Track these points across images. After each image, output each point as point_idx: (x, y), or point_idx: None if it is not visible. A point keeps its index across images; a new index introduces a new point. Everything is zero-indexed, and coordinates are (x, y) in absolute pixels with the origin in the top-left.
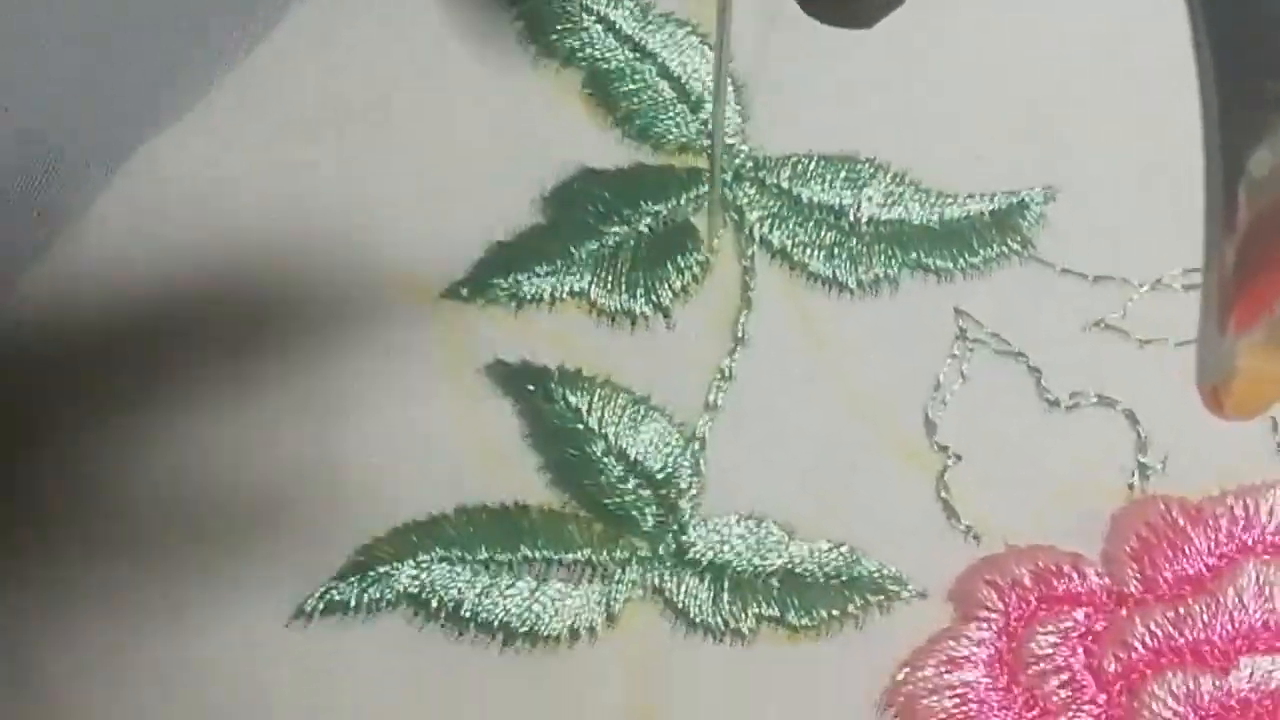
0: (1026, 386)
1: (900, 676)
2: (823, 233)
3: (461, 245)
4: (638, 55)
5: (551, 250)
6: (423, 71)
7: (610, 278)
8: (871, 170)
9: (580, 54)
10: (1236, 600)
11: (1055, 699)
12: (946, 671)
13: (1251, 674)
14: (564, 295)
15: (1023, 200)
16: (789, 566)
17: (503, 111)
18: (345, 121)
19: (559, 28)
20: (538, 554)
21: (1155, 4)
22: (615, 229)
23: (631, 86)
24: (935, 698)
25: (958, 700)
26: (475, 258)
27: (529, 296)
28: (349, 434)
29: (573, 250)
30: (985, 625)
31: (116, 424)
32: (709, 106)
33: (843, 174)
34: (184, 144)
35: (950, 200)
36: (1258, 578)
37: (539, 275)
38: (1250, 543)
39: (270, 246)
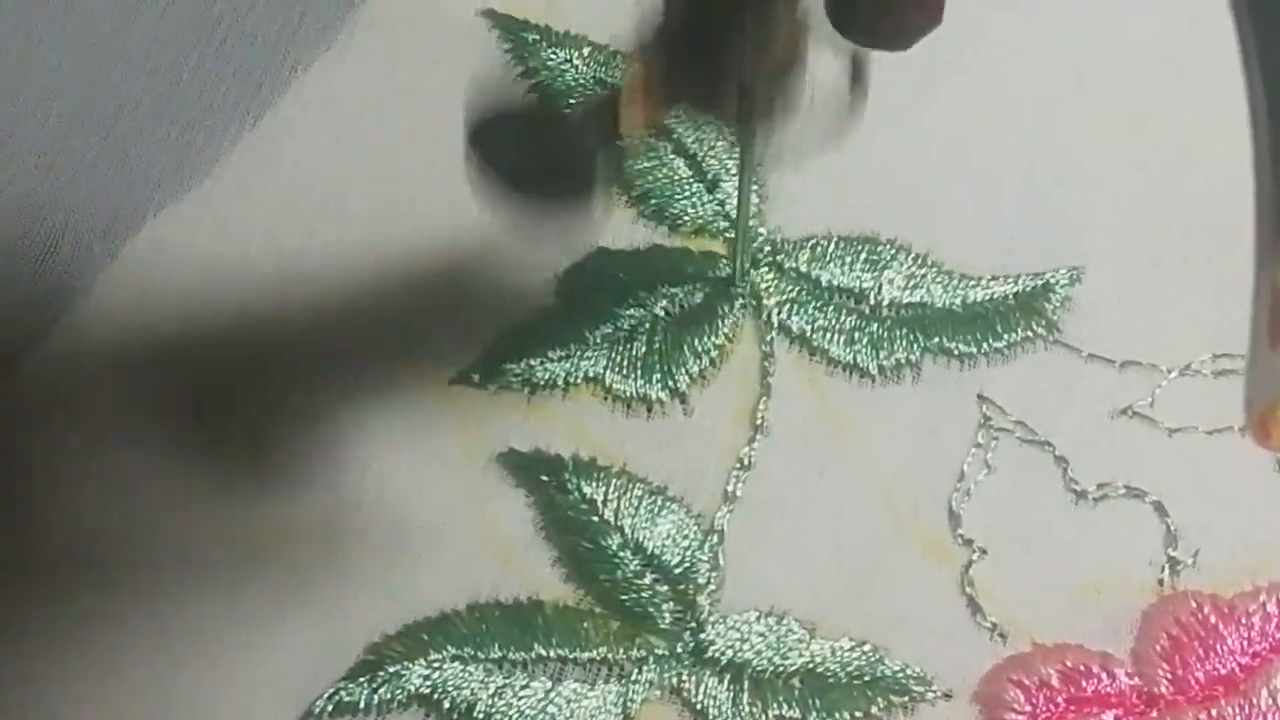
0: (1053, 476)
1: None
2: (843, 317)
3: (472, 329)
4: (653, 132)
5: (565, 334)
6: (430, 149)
7: (625, 363)
8: (892, 252)
9: None
10: (1270, 701)
11: None
12: None
13: None
14: (578, 381)
15: (1047, 282)
16: (810, 666)
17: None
18: (349, 200)
19: (572, 102)
20: (552, 652)
21: (1182, 84)
22: (630, 312)
23: (647, 164)
24: None
25: None
26: (487, 342)
27: (542, 382)
28: (357, 526)
29: (587, 334)
30: None
31: (119, 509)
32: (725, 186)
33: (863, 256)
34: (186, 223)
35: (973, 283)
36: None
37: (552, 360)
38: None
39: (274, 329)
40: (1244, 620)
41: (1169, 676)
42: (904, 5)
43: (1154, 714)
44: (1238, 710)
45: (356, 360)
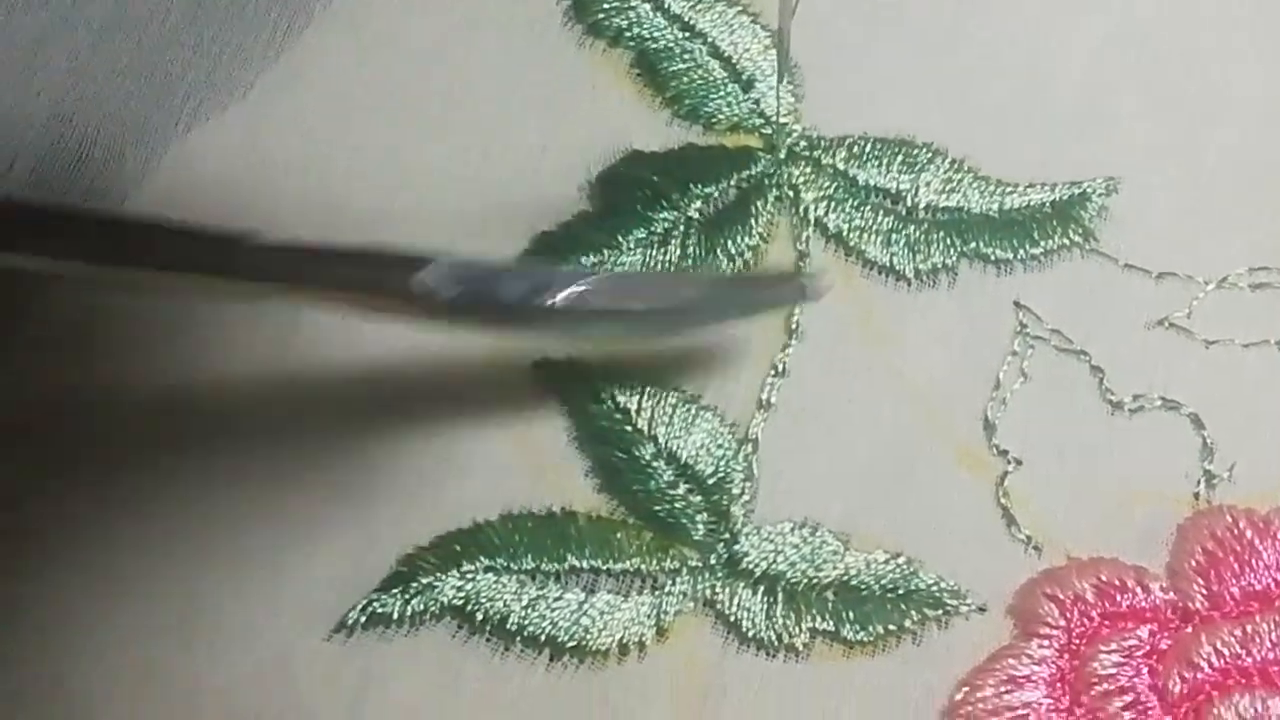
0: (1089, 387)
1: (959, 696)
2: (879, 217)
3: (505, 235)
4: (687, 34)
5: (598, 239)
6: (462, 56)
7: (660, 266)
8: (929, 155)
9: (628, 33)
10: None
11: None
12: (1007, 691)
13: None
14: None
15: (1084, 191)
16: (844, 578)
17: (547, 95)
18: (383, 111)
19: (606, 6)
20: (585, 563)
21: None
22: (664, 214)
23: (681, 66)
24: (995, 719)
25: (1023, 717)
26: (520, 248)
27: None
28: (388, 436)
29: (620, 238)
30: (1046, 643)
31: (146, 429)
32: (760, 85)
33: (900, 157)
34: (222, 137)
35: (1010, 189)
36: None
37: (585, 266)
38: None
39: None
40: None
41: (1204, 592)
42: None
43: (1189, 630)
44: (1273, 626)
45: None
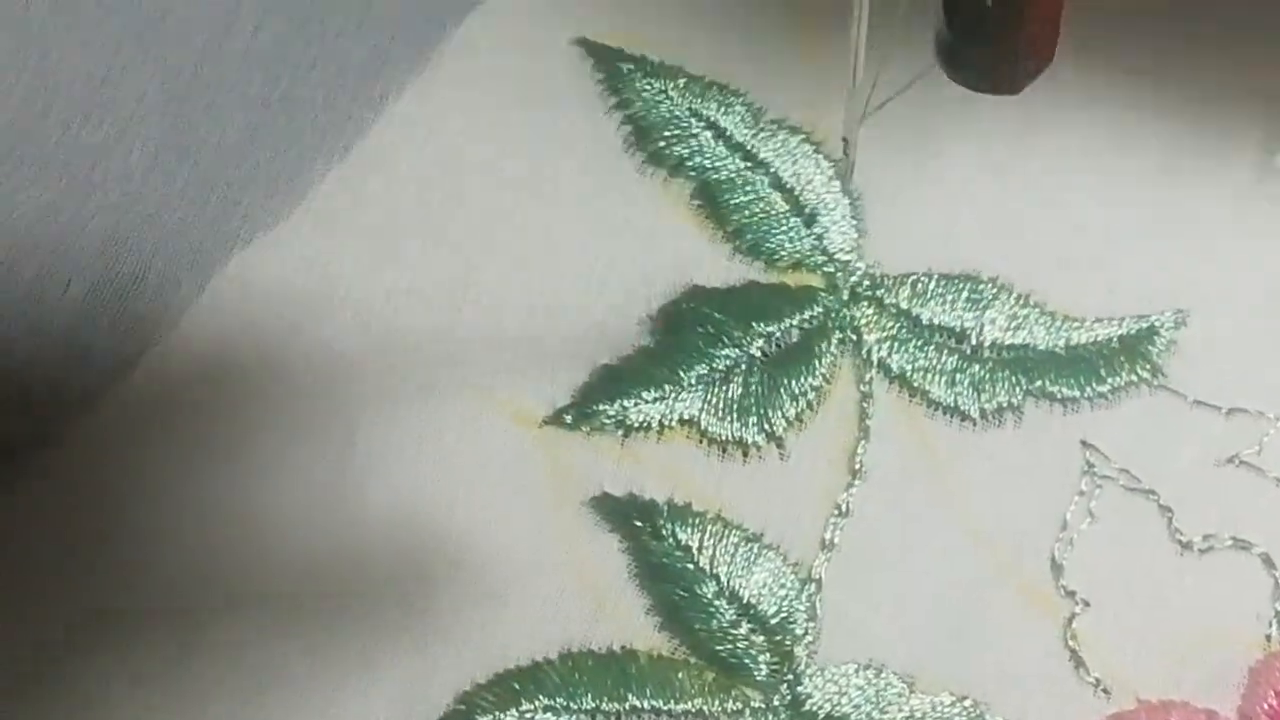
0: (1157, 526)
1: None
2: (944, 357)
3: (566, 368)
4: (749, 165)
5: (659, 375)
6: (523, 182)
7: (721, 404)
8: (994, 291)
9: (689, 162)
10: None
11: None
12: None
13: None
14: (673, 423)
15: (1152, 325)
16: None
17: (607, 224)
18: (442, 236)
19: (667, 134)
20: (646, 704)
21: None
22: (726, 352)
23: (743, 199)
24: None
25: None
26: (580, 382)
27: (636, 424)
28: (445, 571)
29: (681, 374)
30: None
31: (201, 548)
32: (823, 219)
33: (964, 294)
34: (274, 257)
35: (1077, 325)
36: None
37: (646, 401)
38: None
39: (364, 368)
40: None
41: None
42: (1017, 49)
43: None
44: None
45: (446, 399)
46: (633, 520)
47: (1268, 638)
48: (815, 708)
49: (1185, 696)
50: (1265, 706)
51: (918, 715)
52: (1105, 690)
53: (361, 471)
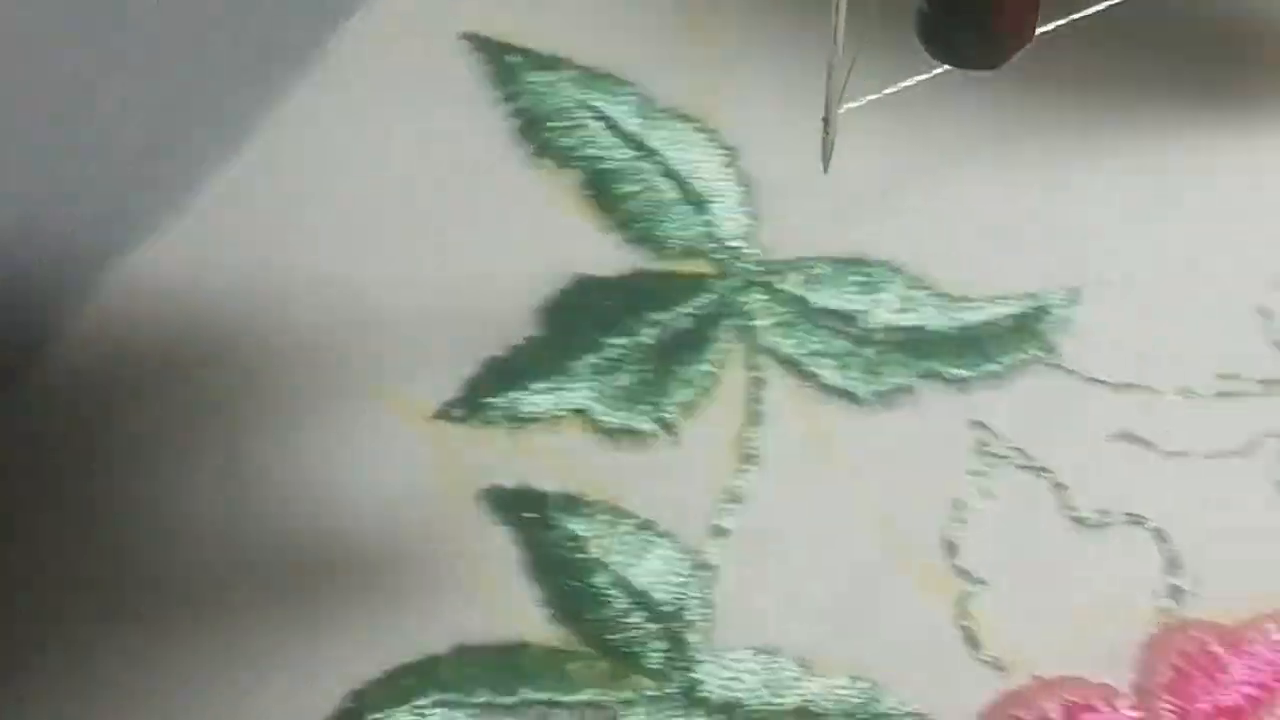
0: (1051, 504)
1: None
2: (835, 341)
3: (454, 361)
4: (639, 154)
5: (549, 365)
6: (411, 177)
7: (612, 393)
8: (885, 274)
9: (578, 153)
10: None
11: None
12: None
13: None
14: (563, 413)
15: (1044, 304)
16: (805, 705)
17: (496, 217)
18: (331, 233)
19: (556, 125)
20: (539, 695)
21: (1183, 103)
22: (616, 340)
23: (632, 188)
24: None
25: None
26: (468, 374)
27: (526, 416)
28: (338, 569)
29: (571, 364)
30: None
31: (89, 551)
32: (714, 206)
33: (856, 278)
34: (165, 257)
35: (968, 305)
36: None
37: (536, 392)
38: None
39: (251, 367)
40: (1249, 649)
41: (1173, 709)
42: (998, 26)
43: None
44: None
45: (335, 395)
46: (523, 511)
47: (1162, 611)
48: (709, 693)
49: (1081, 671)
50: (1161, 680)
51: (813, 698)
52: (1001, 668)
53: (249, 470)
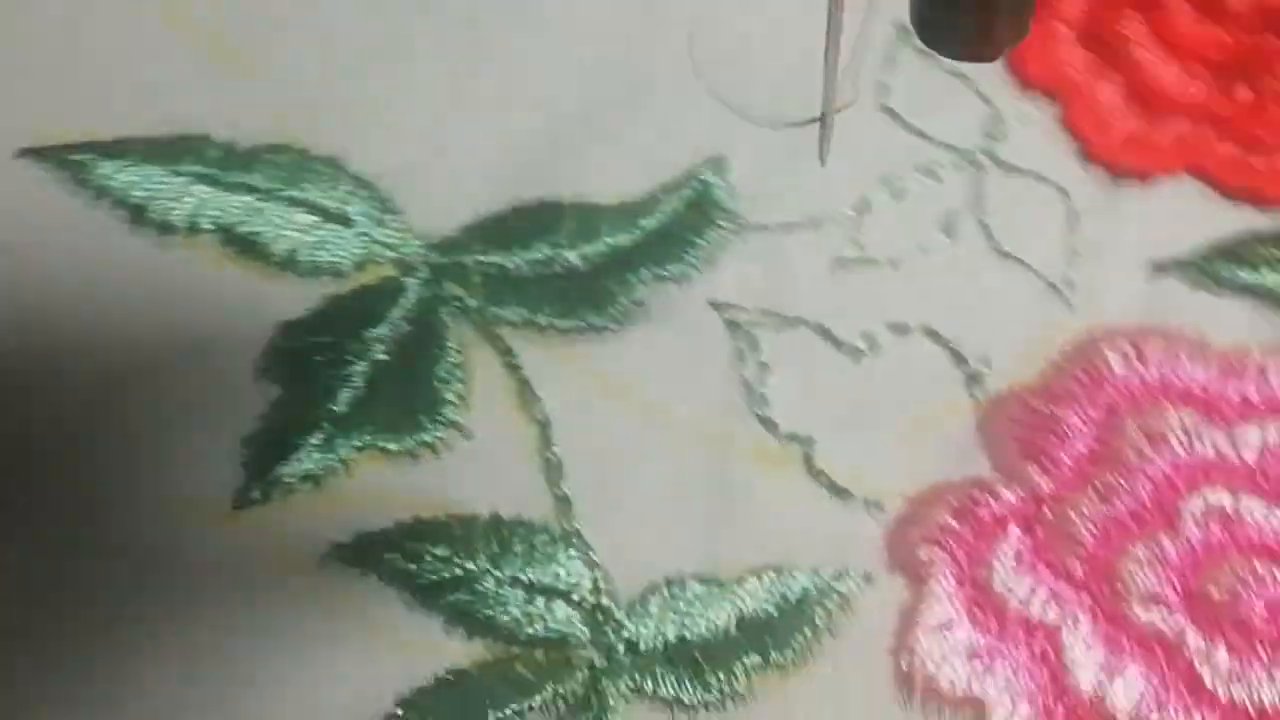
0: (824, 347)
1: (905, 665)
2: (549, 287)
3: (215, 450)
4: (256, 195)
5: (310, 417)
6: (45, 295)
7: (384, 418)
8: (554, 209)
9: (200, 221)
10: (1138, 456)
11: (1049, 617)
12: (942, 638)
13: (1199, 512)
14: (353, 455)
15: (703, 180)
16: (740, 615)
17: (155, 308)
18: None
19: (161, 201)
20: (507, 711)
21: None
22: (354, 368)
23: (273, 228)
24: (948, 666)
25: (969, 657)
26: (242, 457)
27: (320, 471)
28: (238, 691)
29: (332, 408)
30: (943, 581)
31: None
32: (356, 216)
33: (531, 224)
34: None
35: (644, 209)
36: (1143, 430)
37: (314, 448)
38: (1121, 397)
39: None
40: (1067, 396)
41: (1039, 472)
42: (994, 17)
43: (1045, 510)
44: (1119, 477)
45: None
46: (381, 554)
47: (973, 398)
48: (651, 642)
49: (943, 478)
50: (1012, 453)
51: (742, 605)
52: (878, 505)
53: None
